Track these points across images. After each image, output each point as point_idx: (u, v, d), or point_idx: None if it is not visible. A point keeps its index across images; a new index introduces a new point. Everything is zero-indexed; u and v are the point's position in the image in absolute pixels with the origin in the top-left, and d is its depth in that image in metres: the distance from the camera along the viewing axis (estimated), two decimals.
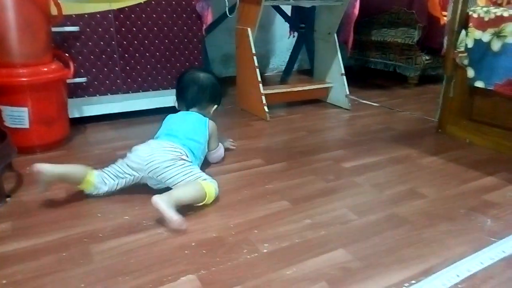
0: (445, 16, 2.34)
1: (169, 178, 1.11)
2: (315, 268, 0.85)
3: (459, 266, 0.86)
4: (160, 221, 1.02)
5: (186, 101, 1.37)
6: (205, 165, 1.35)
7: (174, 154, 1.15)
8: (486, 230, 1.01)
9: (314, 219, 1.04)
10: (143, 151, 1.15)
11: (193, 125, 1.29)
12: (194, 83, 1.36)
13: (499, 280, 0.83)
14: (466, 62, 1.54)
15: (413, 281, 0.81)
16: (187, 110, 1.36)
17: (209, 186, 1.11)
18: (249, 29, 1.91)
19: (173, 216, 0.97)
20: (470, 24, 1.51)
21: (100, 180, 1.12)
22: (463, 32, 1.54)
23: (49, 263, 0.86)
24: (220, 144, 1.42)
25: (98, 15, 1.67)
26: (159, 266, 0.85)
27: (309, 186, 1.24)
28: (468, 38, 1.52)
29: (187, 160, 1.17)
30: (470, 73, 1.53)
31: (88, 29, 1.66)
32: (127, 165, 1.14)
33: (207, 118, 1.34)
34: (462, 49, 1.55)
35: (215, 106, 1.42)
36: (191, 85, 1.36)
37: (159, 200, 0.98)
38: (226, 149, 1.48)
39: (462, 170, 1.36)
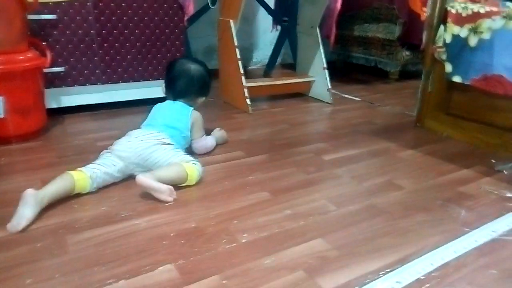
0: (425, 12, 2.37)
1: (156, 162, 1.16)
2: (293, 257, 0.85)
3: (434, 255, 0.88)
4: (138, 212, 1.01)
5: (174, 92, 1.38)
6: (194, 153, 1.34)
7: (156, 139, 1.19)
8: (460, 220, 1.03)
9: (293, 210, 1.05)
10: (127, 140, 1.19)
11: (176, 114, 1.32)
12: (184, 75, 1.37)
13: (471, 268, 0.85)
14: (444, 57, 1.57)
15: (388, 270, 0.83)
16: (174, 100, 1.38)
17: (191, 168, 1.15)
18: (231, 21, 1.90)
19: (161, 186, 1.03)
20: (448, 20, 1.54)
21: (91, 179, 1.08)
22: (442, 27, 1.57)
23: (23, 253, 0.84)
24: (205, 135, 1.41)
25: (76, 3, 1.63)
26: (136, 257, 0.84)
27: (290, 178, 1.24)
28: (446, 33, 1.55)
29: (170, 143, 1.21)
30: (448, 68, 1.56)
31: (65, 17, 1.63)
32: (116, 155, 1.15)
33: (191, 108, 1.36)
34: (441, 44, 1.57)
35: (203, 98, 1.43)
36: (180, 77, 1.37)
37: (143, 177, 1.03)
38: (222, 141, 1.49)
39: (439, 163, 1.39)
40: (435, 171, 1.33)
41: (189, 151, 1.35)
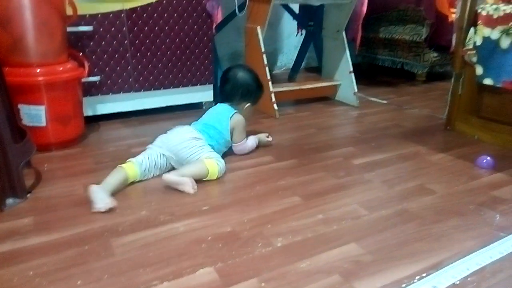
0: (453, 13, 2.34)
1: (185, 157, 1.28)
2: (328, 261, 0.88)
3: (469, 260, 0.89)
4: (176, 216, 1.05)
5: (222, 95, 1.53)
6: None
7: (189, 135, 1.32)
8: (495, 225, 1.03)
9: (325, 214, 1.07)
10: (166, 135, 1.34)
11: (218, 115, 1.44)
12: (231, 80, 1.50)
13: (508, 273, 0.85)
14: (474, 59, 1.56)
15: (423, 274, 0.84)
16: (222, 102, 1.50)
17: (212, 164, 1.25)
18: (258, 28, 1.93)
19: (182, 179, 1.18)
20: (479, 22, 1.52)
21: (141, 169, 1.24)
22: (472, 29, 1.56)
23: (72, 256, 0.89)
24: (246, 138, 1.49)
25: (111, 15, 1.70)
26: (178, 259, 0.88)
27: (320, 182, 1.26)
28: (477, 35, 1.53)
29: (200, 139, 1.32)
30: (479, 70, 1.54)
31: (101, 29, 1.70)
32: (156, 145, 1.32)
33: (233, 112, 1.44)
34: (471, 46, 1.56)
35: (248, 104, 1.51)
36: (228, 82, 1.50)
37: (168, 175, 1.19)
38: (263, 145, 1.56)
39: (471, 166, 1.38)
40: (467, 175, 1.32)
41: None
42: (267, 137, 1.57)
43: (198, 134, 1.34)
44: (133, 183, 1.24)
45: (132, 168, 1.22)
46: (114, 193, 1.15)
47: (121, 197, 1.15)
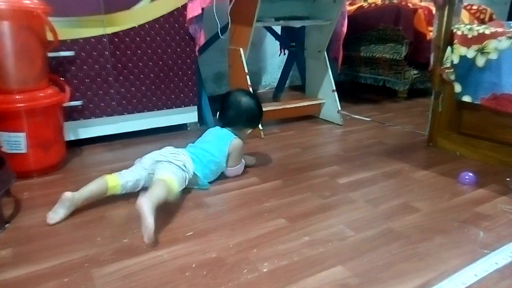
0: (431, 31, 2.41)
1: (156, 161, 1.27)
2: (314, 286, 0.87)
3: (454, 279, 0.89)
4: (160, 243, 1.03)
5: (223, 120, 1.49)
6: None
7: (171, 159, 1.26)
8: (479, 242, 1.04)
9: (311, 236, 1.06)
10: (152, 153, 1.32)
11: (216, 140, 1.42)
12: (234, 106, 1.47)
13: None
14: (452, 77, 1.60)
15: None
16: (222, 127, 1.48)
17: (171, 184, 1.17)
18: (241, 49, 1.95)
19: (149, 221, 1.01)
20: (455, 41, 1.57)
21: (123, 179, 1.24)
22: (449, 48, 1.60)
23: None
24: (242, 161, 1.49)
25: (93, 40, 1.70)
26: None
27: (306, 203, 1.26)
28: (454, 54, 1.57)
29: (178, 165, 1.25)
30: (457, 88, 1.58)
31: (83, 53, 1.69)
32: (141, 162, 1.31)
33: (232, 138, 1.43)
34: (448, 65, 1.60)
35: (250, 130, 1.51)
36: (231, 107, 1.47)
37: (142, 201, 1.05)
38: (248, 166, 1.54)
39: (453, 183, 1.40)
40: (450, 191, 1.33)
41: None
42: (252, 160, 1.58)
43: (180, 155, 1.29)
44: (115, 201, 1.22)
45: (112, 177, 1.23)
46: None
47: (103, 225, 1.13)
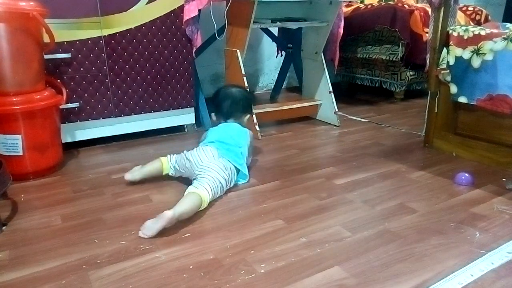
0: (427, 32, 2.42)
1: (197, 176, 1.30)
2: (312, 287, 0.87)
3: (451, 279, 0.89)
4: (157, 245, 1.03)
5: (223, 114, 1.56)
6: None
7: (212, 158, 1.34)
8: (475, 242, 1.04)
9: (309, 238, 1.06)
10: (197, 154, 1.36)
11: (234, 133, 1.47)
12: (228, 97, 1.56)
13: None
14: (448, 78, 1.60)
15: None
16: (225, 121, 1.54)
17: (204, 197, 1.19)
18: (238, 51, 1.96)
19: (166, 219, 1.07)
20: (451, 42, 1.58)
21: (172, 162, 1.40)
22: (445, 49, 1.61)
23: None
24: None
25: (89, 41, 1.70)
26: None
27: (303, 204, 1.26)
28: (450, 55, 1.58)
29: (223, 173, 1.31)
30: (453, 89, 1.59)
31: (79, 55, 1.69)
32: (186, 157, 1.37)
33: (247, 130, 1.53)
34: (444, 66, 1.61)
35: (248, 116, 1.60)
36: (225, 100, 1.55)
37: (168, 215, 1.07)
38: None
39: (450, 183, 1.40)
40: (447, 192, 1.34)
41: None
42: None
43: (227, 164, 1.35)
44: (111, 203, 1.21)
45: (167, 164, 1.40)
46: (147, 179, 1.40)
47: (100, 227, 1.13)
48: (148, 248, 1.02)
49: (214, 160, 1.33)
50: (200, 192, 1.19)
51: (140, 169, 1.42)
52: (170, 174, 1.41)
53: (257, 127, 1.94)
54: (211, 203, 1.26)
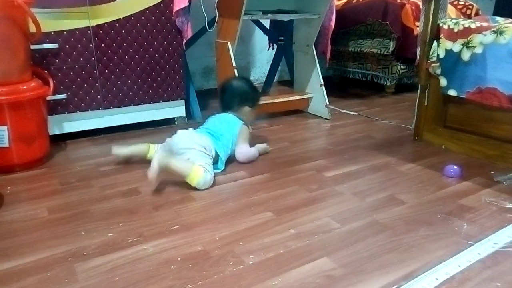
0: (418, 26, 2.43)
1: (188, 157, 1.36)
2: (300, 277, 0.87)
3: (438, 269, 0.89)
4: (145, 237, 1.02)
5: (222, 105, 1.63)
6: None
7: (199, 144, 1.38)
8: (463, 233, 1.05)
9: (298, 229, 1.06)
10: (180, 135, 1.42)
11: (225, 124, 1.52)
12: (226, 89, 1.61)
13: (475, 281, 0.86)
14: (438, 71, 1.61)
15: (394, 286, 0.84)
16: (223, 111, 1.60)
17: (197, 170, 1.28)
18: (229, 43, 1.94)
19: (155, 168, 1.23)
20: (441, 35, 1.58)
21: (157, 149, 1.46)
22: (435, 43, 1.61)
23: (33, 284, 0.85)
24: (248, 147, 1.55)
25: (77, 32, 1.67)
26: (146, 283, 0.85)
27: (293, 196, 1.26)
28: (440, 48, 1.58)
29: (205, 152, 1.38)
30: (443, 82, 1.59)
31: (67, 46, 1.66)
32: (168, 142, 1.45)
33: (241, 122, 1.55)
34: (435, 59, 1.61)
35: (248, 108, 1.60)
36: (225, 92, 1.61)
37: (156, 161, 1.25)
38: (262, 153, 1.62)
39: (439, 175, 1.41)
40: (436, 184, 1.34)
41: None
42: (265, 148, 1.66)
43: (207, 143, 1.40)
44: (99, 195, 1.20)
45: (153, 147, 1.49)
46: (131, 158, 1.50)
47: (87, 218, 1.12)
48: (135, 240, 1.01)
49: (196, 141, 1.39)
50: (195, 166, 1.28)
51: (127, 147, 1.50)
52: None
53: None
54: (200, 196, 1.25)
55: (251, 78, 3.16)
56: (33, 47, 1.53)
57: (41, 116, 1.51)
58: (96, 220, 1.11)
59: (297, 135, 1.91)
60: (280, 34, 2.64)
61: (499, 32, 1.40)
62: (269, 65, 2.89)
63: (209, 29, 2.00)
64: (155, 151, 1.46)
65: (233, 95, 1.59)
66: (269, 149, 1.66)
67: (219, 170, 1.44)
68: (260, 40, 3.04)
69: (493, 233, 1.05)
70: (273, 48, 2.79)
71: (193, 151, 1.36)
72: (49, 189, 1.32)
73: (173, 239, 1.02)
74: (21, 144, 1.43)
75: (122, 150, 1.49)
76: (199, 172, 1.27)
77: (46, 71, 1.61)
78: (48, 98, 1.59)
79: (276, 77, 3.01)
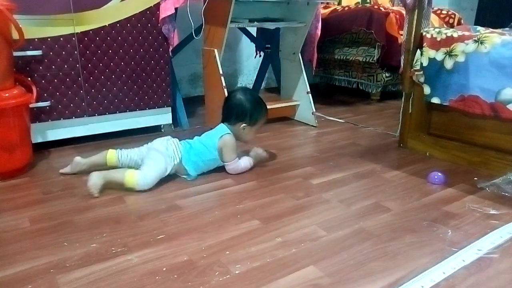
0: (402, 35, 2.47)
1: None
2: (286, 287, 0.86)
3: (423, 277, 0.90)
4: (129, 247, 1.01)
5: (222, 116, 1.57)
6: (183, 183, 1.36)
7: (172, 149, 1.42)
8: (447, 240, 1.06)
9: (284, 238, 1.06)
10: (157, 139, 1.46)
11: (210, 133, 1.51)
12: (228, 102, 1.56)
13: None
14: (422, 79, 1.63)
15: None
16: (222, 123, 1.55)
17: (129, 175, 1.32)
18: (216, 50, 1.94)
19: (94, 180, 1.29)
20: (424, 44, 1.61)
21: (119, 153, 1.46)
22: (418, 51, 1.64)
23: None
24: (237, 158, 1.50)
25: (62, 38, 1.65)
26: None
27: (279, 204, 1.26)
28: (423, 57, 1.61)
29: (161, 156, 1.39)
30: (427, 90, 1.62)
31: (51, 53, 1.64)
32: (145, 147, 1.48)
33: (224, 133, 1.48)
34: (418, 67, 1.64)
35: (243, 125, 1.53)
36: (225, 103, 1.57)
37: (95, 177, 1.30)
38: (259, 160, 1.59)
39: (423, 182, 1.43)
40: (420, 191, 1.36)
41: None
42: (257, 148, 1.63)
43: (175, 148, 1.42)
44: (81, 205, 1.18)
45: (112, 155, 1.45)
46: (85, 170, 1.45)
47: (70, 229, 1.09)
48: (120, 251, 0.99)
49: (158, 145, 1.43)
50: (126, 172, 1.33)
51: (84, 160, 1.48)
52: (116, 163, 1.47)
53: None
54: (186, 204, 1.24)
55: (239, 85, 3.16)
56: (16, 53, 1.50)
57: (23, 124, 1.48)
58: (80, 231, 1.09)
59: (284, 142, 1.91)
60: (267, 42, 2.66)
61: (480, 41, 1.43)
62: (256, 73, 2.90)
63: (196, 36, 2.00)
64: (117, 158, 1.45)
65: (231, 108, 1.53)
66: (264, 154, 1.61)
67: (189, 179, 1.43)
68: (247, 47, 3.05)
69: (477, 239, 1.06)
70: (260, 56, 2.80)
71: (152, 151, 1.41)
72: (31, 198, 1.30)
73: (158, 249, 1.00)
74: (3, 153, 1.40)
75: (74, 167, 1.47)
76: (131, 175, 1.31)
77: (29, 78, 1.59)
78: (32, 105, 1.56)
79: (263, 84, 3.02)
